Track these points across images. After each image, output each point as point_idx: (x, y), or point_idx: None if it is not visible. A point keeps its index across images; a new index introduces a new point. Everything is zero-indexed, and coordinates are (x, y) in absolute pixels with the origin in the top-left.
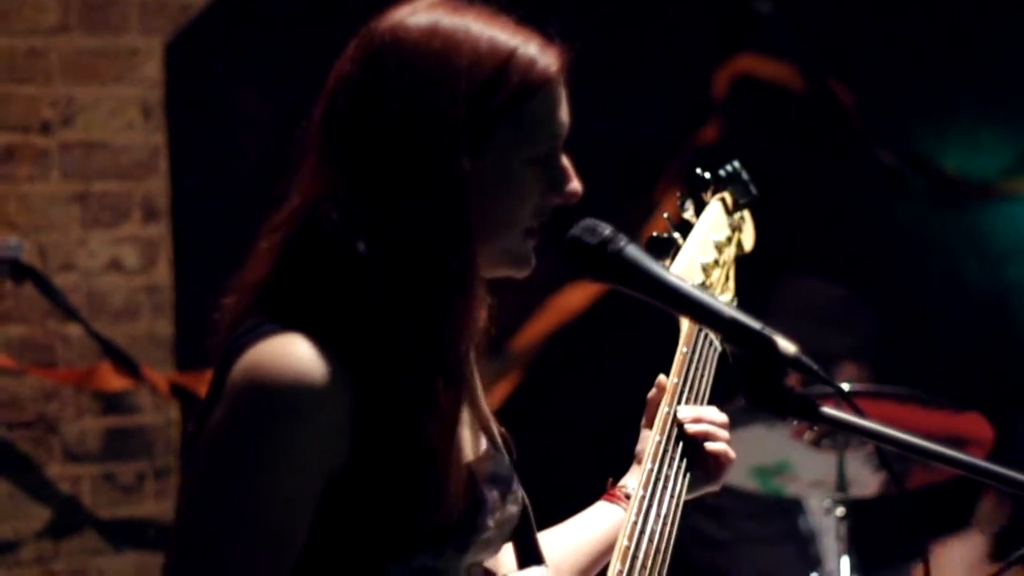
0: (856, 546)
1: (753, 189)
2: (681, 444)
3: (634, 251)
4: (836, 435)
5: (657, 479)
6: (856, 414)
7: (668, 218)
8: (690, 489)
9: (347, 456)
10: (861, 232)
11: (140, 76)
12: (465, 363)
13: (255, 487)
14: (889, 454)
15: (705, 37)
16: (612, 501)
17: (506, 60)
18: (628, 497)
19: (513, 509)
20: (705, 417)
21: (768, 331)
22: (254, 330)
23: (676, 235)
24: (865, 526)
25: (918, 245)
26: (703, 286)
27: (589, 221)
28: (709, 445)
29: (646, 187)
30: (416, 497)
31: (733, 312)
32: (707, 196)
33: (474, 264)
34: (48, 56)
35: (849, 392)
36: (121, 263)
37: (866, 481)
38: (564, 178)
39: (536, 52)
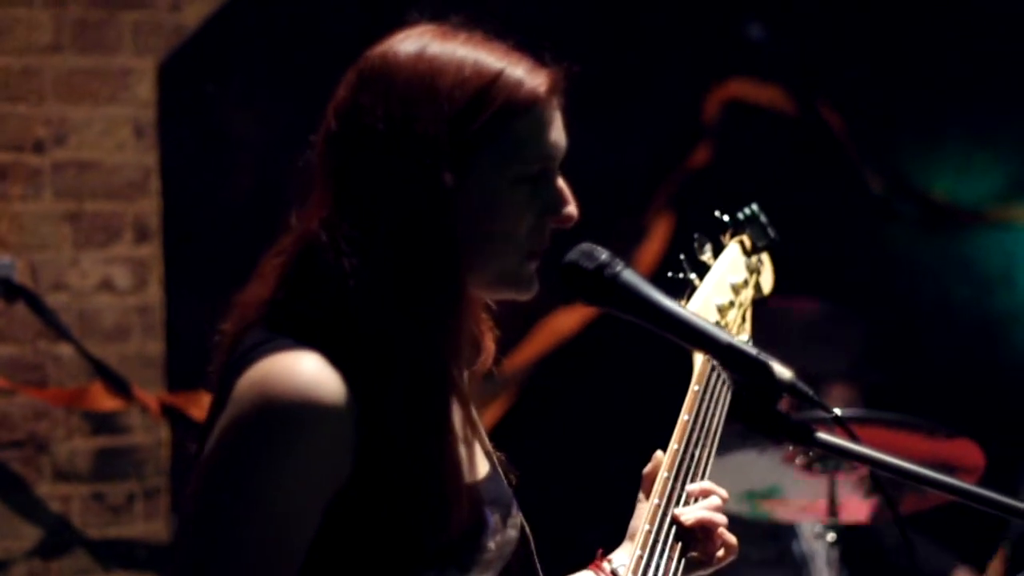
0: (847, 571)
1: (772, 232)
2: (675, 529)
3: (631, 275)
4: (827, 460)
5: (648, 566)
6: (850, 439)
7: (684, 259)
8: (684, 572)
9: (350, 473)
10: (851, 257)
11: (133, 96)
12: (449, 378)
13: (258, 497)
14: (882, 479)
15: (696, 61)
16: (596, 572)
17: (491, 81)
18: (614, 574)
19: (512, 533)
20: (706, 510)
21: (764, 356)
22: (263, 344)
23: (693, 276)
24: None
25: (908, 271)
26: (717, 325)
27: (586, 246)
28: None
29: (637, 211)
30: (418, 515)
31: (729, 337)
32: (725, 238)
33: (460, 280)
34: (41, 75)
35: (842, 417)
36: (113, 283)
37: (857, 506)
38: (560, 200)
39: (523, 74)
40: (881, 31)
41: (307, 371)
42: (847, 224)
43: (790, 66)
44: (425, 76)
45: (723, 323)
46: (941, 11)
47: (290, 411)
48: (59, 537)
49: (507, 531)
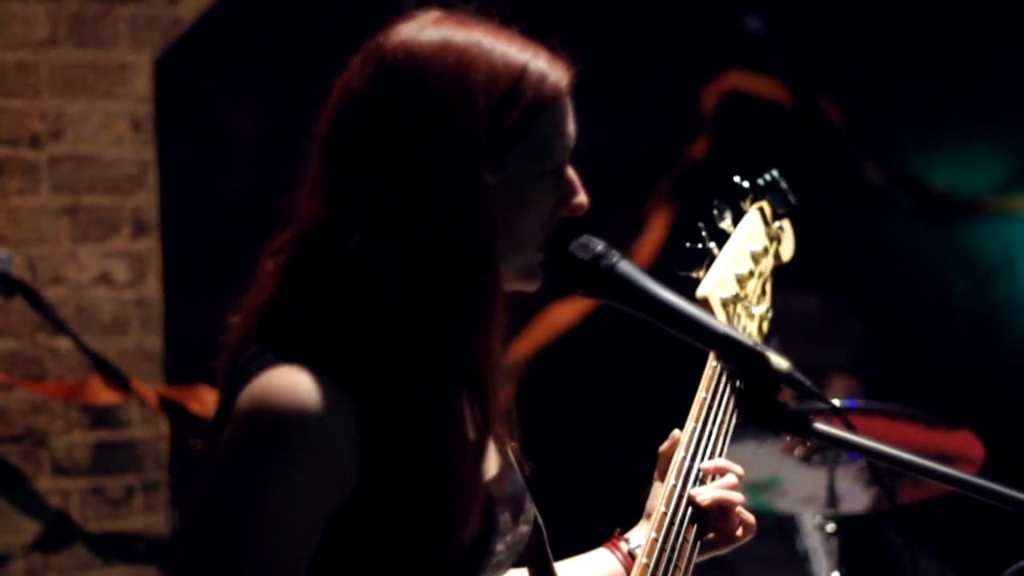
0: (846, 562)
1: (792, 199)
2: (691, 510)
3: (627, 267)
4: (826, 451)
5: (663, 548)
6: (848, 430)
7: (703, 227)
8: (700, 552)
9: (355, 484)
10: (850, 249)
11: (130, 90)
12: (493, 382)
13: (257, 513)
14: (881, 470)
15: (694, 53)
16: (612, 551)
17: (520, 75)
18: (631, 555)
19: (524, 529)
20: (722, 489)
21: (761, 347)
22: (257, 358)
23: (712, 245)
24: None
25: (907, 262)
26: (736, 297)
27: (582, 237)
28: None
29: (636, 203)
30: (432, 525)
31: (726, 328)
32: (745, 205)
33: (499, 280)
34: (38, 70)
35: (841, 408)
36: (111, 277)
37: (856, 497)
38: (571, 191)
39: (546, 66)
40: (879, 21)
41: (298, 386)
42: (846, 215)
43: (788, 58)
44: (456, 69)
45: (742, 293)
46: (940, 1)
47: (288, 424)
48: (58, 531)
49: (518, 528)
